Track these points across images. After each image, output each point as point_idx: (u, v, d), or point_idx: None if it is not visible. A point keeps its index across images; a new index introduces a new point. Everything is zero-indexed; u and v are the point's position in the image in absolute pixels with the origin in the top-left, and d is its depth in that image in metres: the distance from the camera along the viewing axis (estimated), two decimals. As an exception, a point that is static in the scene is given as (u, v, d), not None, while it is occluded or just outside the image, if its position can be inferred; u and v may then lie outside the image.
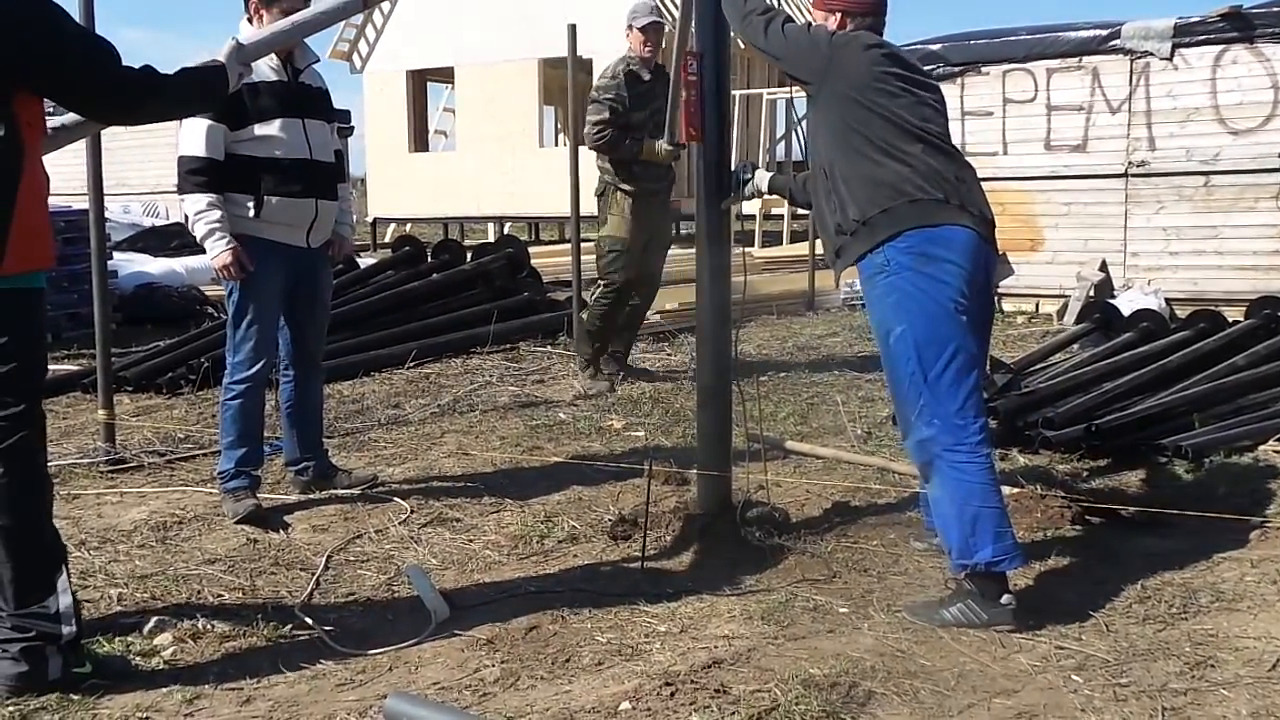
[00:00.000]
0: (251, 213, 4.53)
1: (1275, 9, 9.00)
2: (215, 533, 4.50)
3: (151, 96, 3.26)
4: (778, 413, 6.20)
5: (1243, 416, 5.54)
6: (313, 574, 4.02)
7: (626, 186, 6.90)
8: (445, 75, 20.66)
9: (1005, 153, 10.17)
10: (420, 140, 21.12)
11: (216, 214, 4.49)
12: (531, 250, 11.07)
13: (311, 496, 4.90)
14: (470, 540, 4.40)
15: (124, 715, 3.01)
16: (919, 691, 3.08)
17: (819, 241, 6.50)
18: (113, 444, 5.59)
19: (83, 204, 6.38)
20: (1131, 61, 9.58)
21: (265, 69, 4.49)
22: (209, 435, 5.75)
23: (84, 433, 6.03)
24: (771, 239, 16.57)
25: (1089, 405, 5.61)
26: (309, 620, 3.59)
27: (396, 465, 5.46)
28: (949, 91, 9.67)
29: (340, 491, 4.94)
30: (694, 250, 4.39)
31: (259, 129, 4.51)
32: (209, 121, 4.44)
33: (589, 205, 7.36)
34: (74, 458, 5.52)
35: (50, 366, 3.63)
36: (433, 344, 8.09)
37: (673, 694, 3.04)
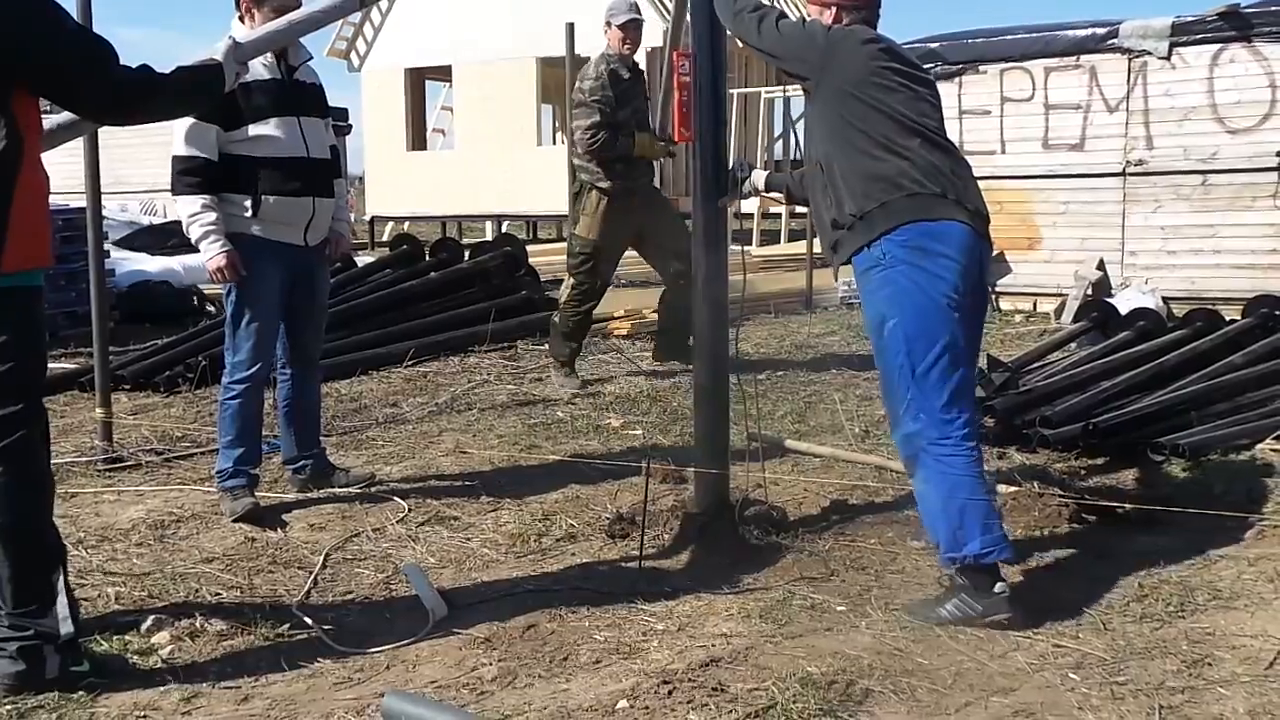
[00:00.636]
0: (249, 212, 4.53)
1: (1273, 8, 9.00)
2: (213, 531, 4.50)
3: (149, 96, 3.25)
4: (775, 411, 6.20)
5: (1240, 415, 5.54)
6: (310, 572, 4.02)
7: (604, 185, 6.90)
8: (443, 74, 20.65)
9: (1003, 152, 10.16)
10: (418, 139, 21.12)
11: (211, 216, 4.48)
12: (529, 248, 11.08)
13: (309, 495, 4.90)
14: (468, 539, 4.40)
15: (122, 714, 3.01)
16: (916, 690, 3.08)
17: (816, 240, 6.51)
18: (110, 442, 5.59)
19: (80, 202, 6.38)
20: (1129, 60, 9.58)
21: (259, 68, 4.47)
22: (207, 434, 5.75)
23: (81, 431, 6.03)
24: (769, 238, 16.58)
25: (1086, 404, 5.62)
26: (307, 619, 3.60)
27: (394, 464, 5.46)
28: (947, 90, 9.70)
29: (338, 490, 4.94)
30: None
31: (254, 129, 4.50)
32: (200, 121, 4.42)
33: (586, 204, 7.37)
34: (71, 456, 5.52)
35: (48, 365, 3.62)
36: (430, 342, 8.09)
37: (670, 692, 3.04)
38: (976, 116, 10.22)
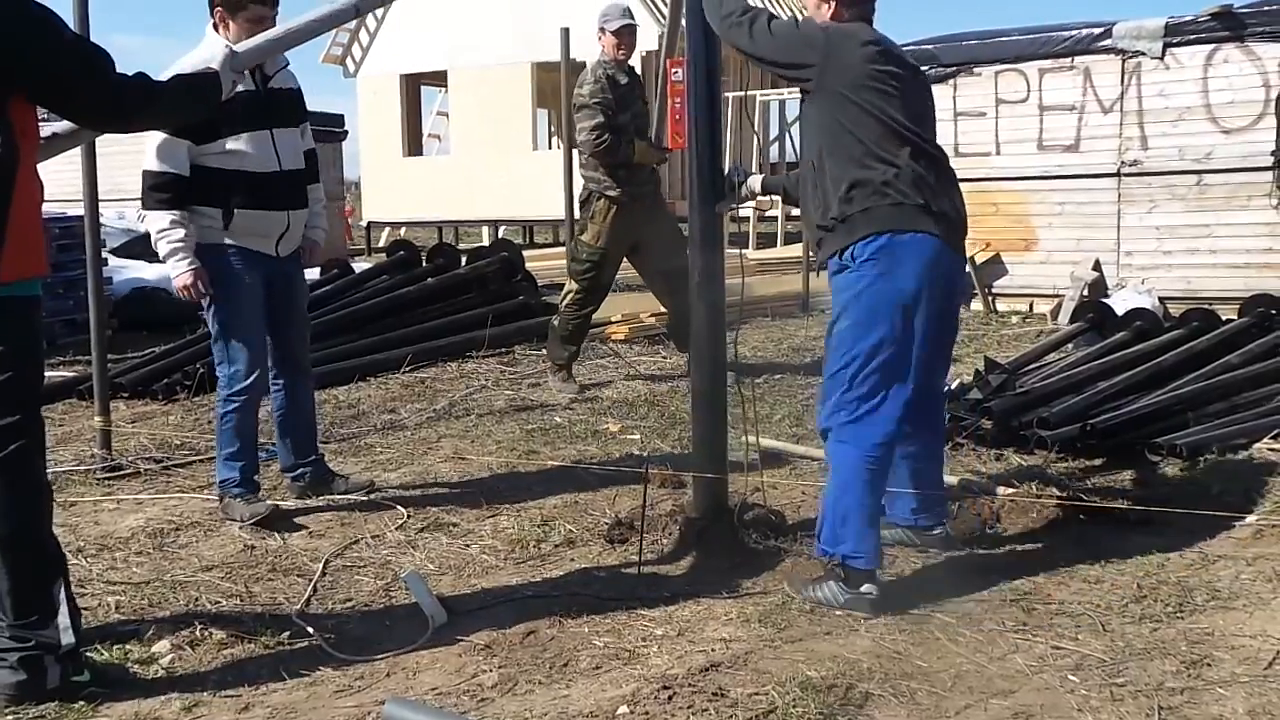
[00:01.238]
0: (220, 224, 4.52)
1: (1266, 8, 9.03)
2: (212, 539, 4.50)
3: (147, 104, 3.27)
4: (773, 415, 6.20)
5: (1237, 415, 5.56)
6: (310, 580, 4.02)
7: (613, 192, 6.90)
8: (439, 79, 20.67)
9: (998, 153, 10.17)
10: (414, 144, 21.14)
11: (180, 233, 4.47)
12: (525, 253, 11.07)
13: (308, 502, 4.90)
14: (467, 545, 4.40)
15: (123, 723, 3.02)
16: (916, 693, 3.09)
17: (813, 243, 6.50)
18: (109, 451, 5.59)
19: (78, 210, 6.39)
20: (1123, 61, 9.60)
21: None
22: (205, 441, 5.75)
23: (80, 439, 6.03)
24: (766, 241, 16.59)
25: (1084, 405, 5.62)
26: (307, 626, 3.60)
27: (393, 470, 5.46)
28: (941, 92, 9.73)
29: (337, 497, 4.94)
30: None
31: (228, 143, 4.47)
32: (171, 136, 4.40)
33: (583, 208, 7.37)
34: (70, 465, 5.52)
35: (46, 373, 3.62)
36: (428, 348, 8.09)
37: (670, 697, 3.04)
38: (972, 118, 10.24)
